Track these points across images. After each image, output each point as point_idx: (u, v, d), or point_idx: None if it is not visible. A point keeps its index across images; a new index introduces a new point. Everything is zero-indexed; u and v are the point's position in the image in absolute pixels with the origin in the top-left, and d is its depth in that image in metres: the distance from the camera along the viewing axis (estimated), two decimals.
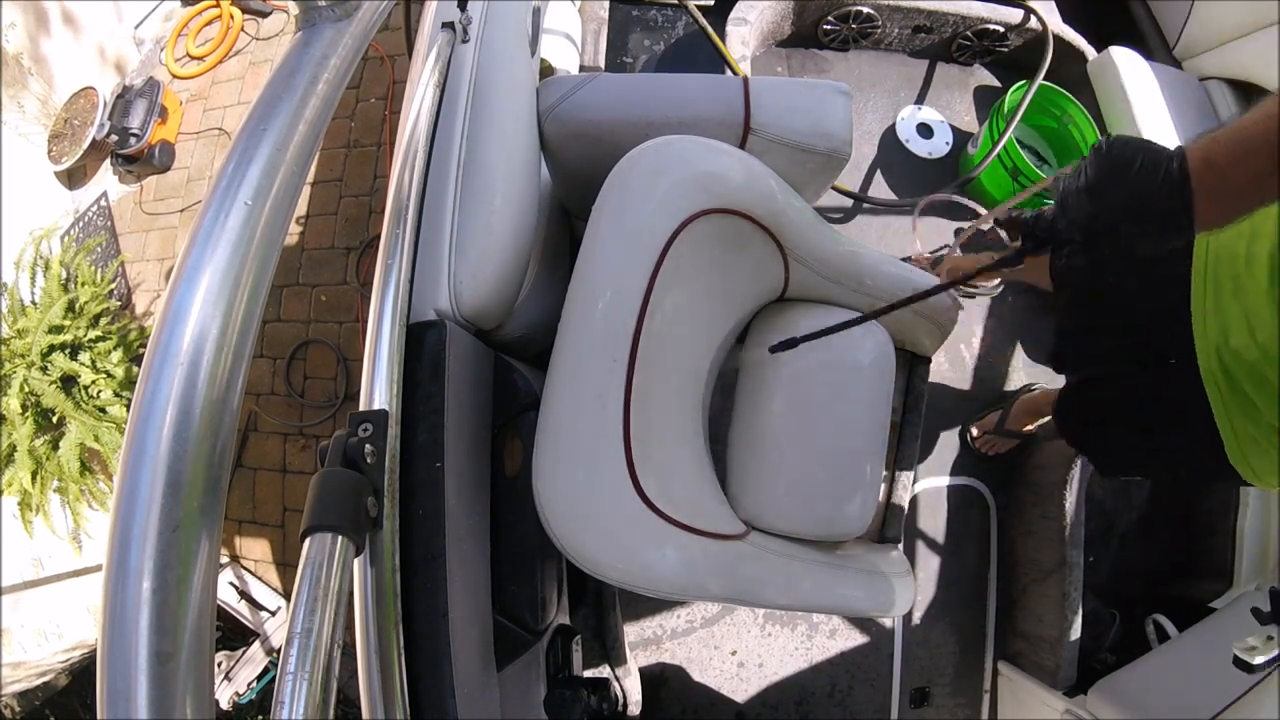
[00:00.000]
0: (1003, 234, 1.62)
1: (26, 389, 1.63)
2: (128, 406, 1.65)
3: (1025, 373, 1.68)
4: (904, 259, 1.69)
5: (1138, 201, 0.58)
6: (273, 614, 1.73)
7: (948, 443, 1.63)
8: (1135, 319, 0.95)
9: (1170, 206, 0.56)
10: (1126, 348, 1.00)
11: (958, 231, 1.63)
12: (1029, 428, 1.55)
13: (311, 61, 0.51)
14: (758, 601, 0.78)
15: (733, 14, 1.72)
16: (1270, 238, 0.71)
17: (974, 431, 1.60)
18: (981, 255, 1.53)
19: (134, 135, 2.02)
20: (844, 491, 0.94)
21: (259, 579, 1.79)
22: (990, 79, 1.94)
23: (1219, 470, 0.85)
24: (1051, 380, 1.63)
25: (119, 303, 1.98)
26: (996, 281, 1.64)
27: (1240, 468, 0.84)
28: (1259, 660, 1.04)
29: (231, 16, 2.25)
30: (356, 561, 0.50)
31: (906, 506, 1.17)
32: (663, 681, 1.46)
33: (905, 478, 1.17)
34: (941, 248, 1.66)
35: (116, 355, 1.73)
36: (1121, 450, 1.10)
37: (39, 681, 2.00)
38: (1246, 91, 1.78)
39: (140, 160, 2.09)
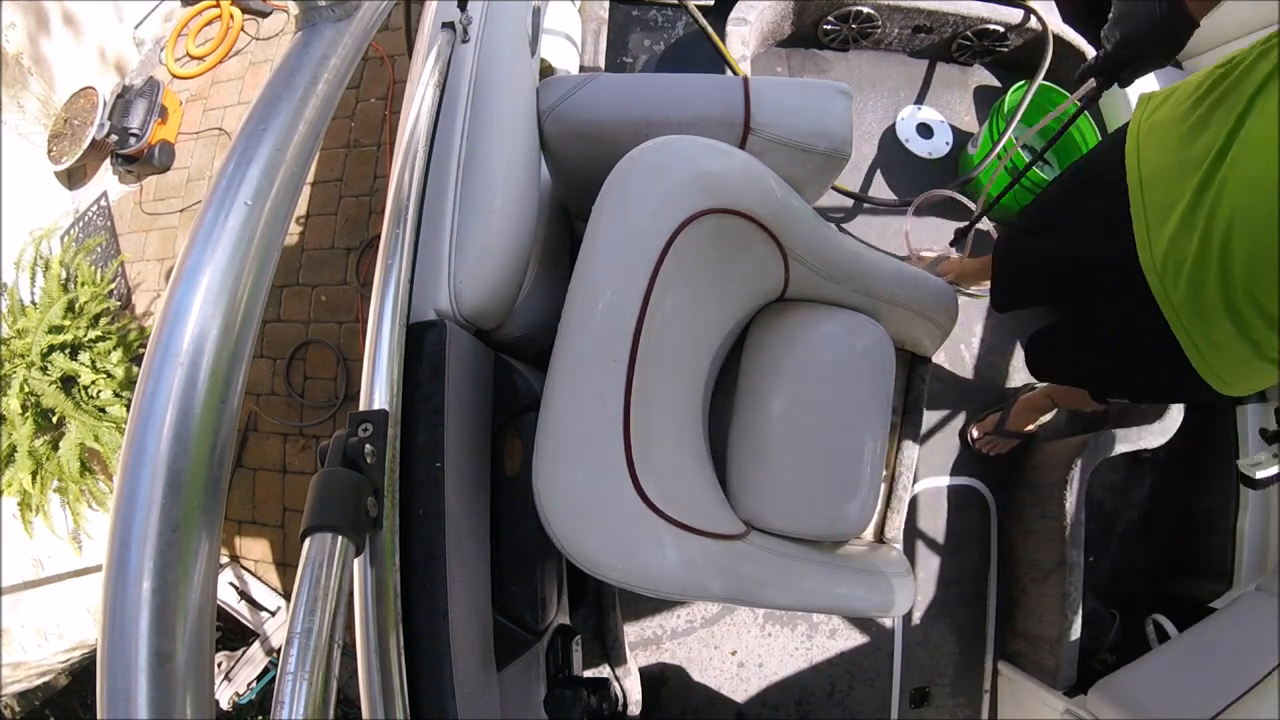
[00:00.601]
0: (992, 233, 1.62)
1: (26, 389, 1.63)
2: (128, 406, 1.65)
3: (1025, 373, 1.68)
4: (903, 258, 1.70)
5: (1144, 15, 0.84)
6: (273, 614, 1.73)
7: (948, 443, 1.63)
8: (1080, 248, 1.01)
9: (1167, 8, 0.82)
10: (1074, 277, 1.06)
11: (958, 233, 1.63)
12: (1030, 427, 1.55)
13: (311, 61, 0.51)
14: (758, 601, 0.78)
15: (733, 14, 1.72)
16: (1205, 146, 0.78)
17: (975, 433, 1.60)
18: (986, 259, 1.54)
19: (134, 135, 2.02)
20: (844, 491, 0.94)
21: (259, 579, 1.79)
22: (990, 79, 1.94)
23: (1199, 386, 0.88)
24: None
25: (119, 303, 1.98)
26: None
27: (1210, 378, 0.86)
28: (1261, 475, 1.07)
29: (231, 16, 2.25)
30: (356, 561, 0.50)
31: (906, 506, 1.17)
32: (663, 681, 1.46)
33: (905, 478, 1.17)
34: (941, 253, 1.66)
35: (116, 355, 1.73)
36: (1098, 374, 1.14)
37: (39, 681, 2.00)
38: None
39: (140, 160, 2.09)
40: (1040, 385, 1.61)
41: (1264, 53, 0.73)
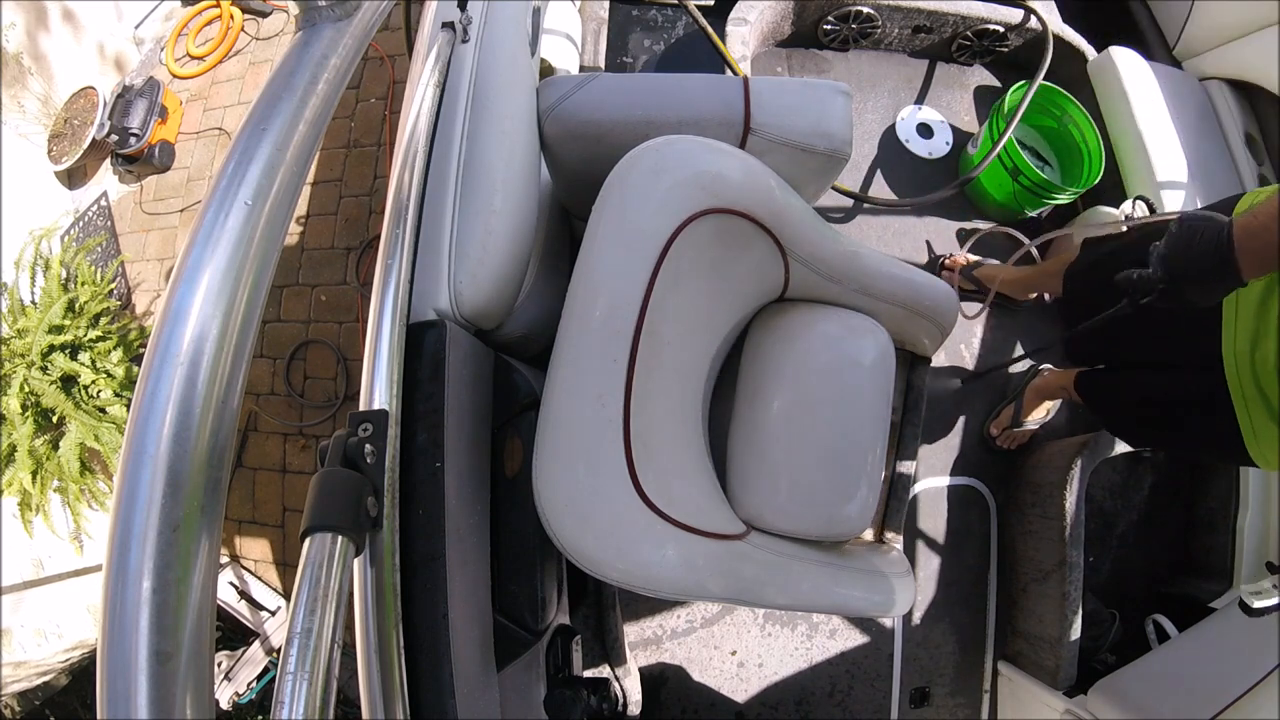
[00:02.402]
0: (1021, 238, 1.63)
1: (26, 389, 1.63)
2: (128, 406, 1.65)
3: (1026, 367, 1.68)
4: (934, 259, 1.70)
5: (1196, 265, 0.80)
6: (273, 614, 1.73)
7: (948, 443, 1.63)
8: (1162, 329, 1.08)
9: (1220, 265, 0.77)
10: (1146, 348, 1.14)
11: (960, 235, 1.63)
12: (1042, 412, 1.56)
13: (311, 61, 0.51)
14: (758, 601, 0.78)
15: (733, 14, 1.72)
16: None
17: (993, 430, 1.60)
18: (1025, 269, 1.55)
19: (134, 135, 2.02)
20: (844, 491, 0.94)
21: (259, 579, 1.79)
22: (990, 79, 1.94)
23: (1234, 455, 0.98)
24: (1059, 363, 1.64)
25: (119, 303, 1.98)
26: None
27: (1257, 457, 0.97)
28: (1259, 605, 1.13)
29: (231, 16, 2.25)
30: (356, 561, 0.50)
31: (906, 506, 1.17)
32: (663, 681, 1.46)
33: (905, 478, 1.17)
34: (979, 259, 1.66)
35: (116, 355, 1.73)
36: (1144, 426, 1.21)
37: (39, 681, 2.00)
38: (1247, 91, 1.78)
39: (140, 160, 2.09)
40: (1047, 368, 1.61)
41: None
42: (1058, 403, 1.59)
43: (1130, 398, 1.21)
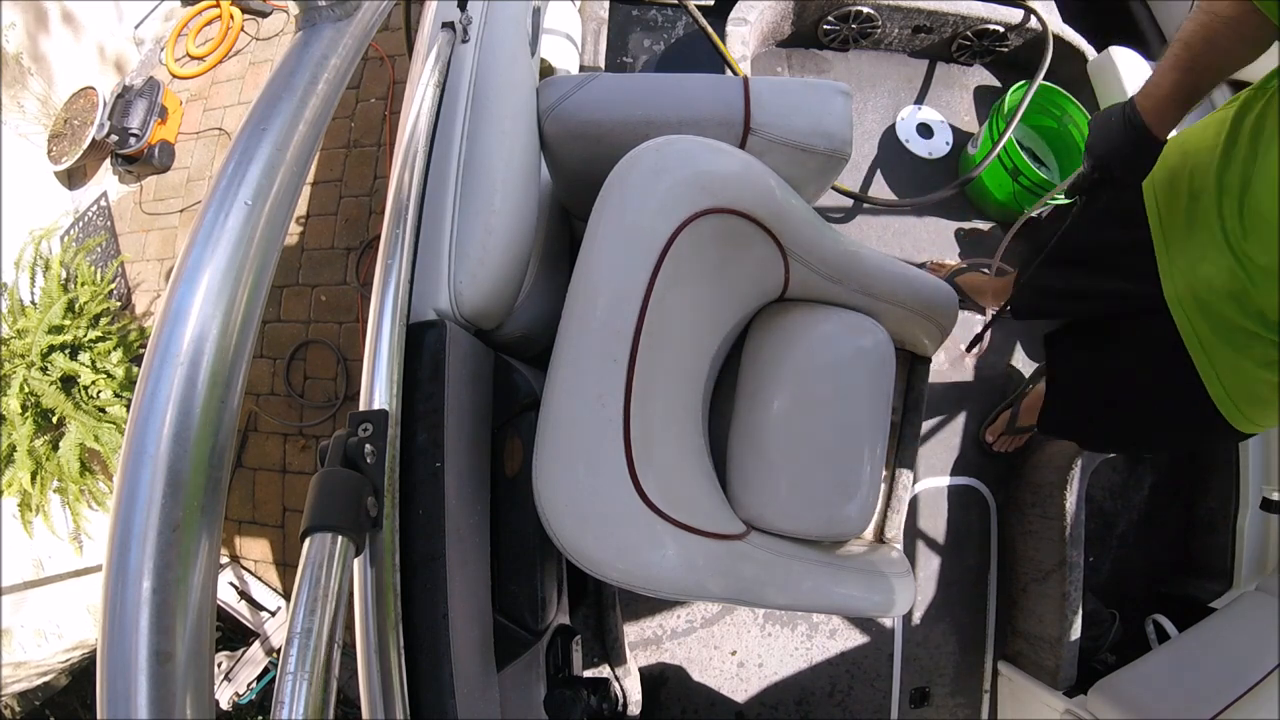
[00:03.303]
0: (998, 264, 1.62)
1: (26, 389, 1.63)
2: (128, 406, 1.65)
3: (1026, 370, 1.69)
4: (919, 265, 1.70)
5: (1116, 142, 0.86)
6: (273, 614, 1.73)
7: (948, 443, 1.63)
8: (1102, 273, 1.04)
9: (1134, 133, 0.83)
10: (1092, 296, 1.08)
11: (958, 235, 1.63)
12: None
13: (311, 61, 0.51)
14: (758, 601, 0.78)
15: (733, 14, 1.72)
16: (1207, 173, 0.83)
17: (989, 437, 1.60)
18: (1009, 280, 1.52)
19: (134, 135, 2.02)
20: (844, 491, 0.94)
21: (259, 579, 1.79)
22: (990, 79, 1.94)
23: (1212, 423, 0.89)
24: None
25: (119, 303, 1.98)
26: None
27: (1229, 413, 0.87)
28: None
29: (231, 16, 2.25)
30: (356, 561, 0.50)
31: (906, 506, 1.17)
32: (663, 681, 1.46)
33: (905, 478, 1.17)
34: (960, 265, 1.65)
35: (116, 355, 1.73)
36: (1114, 429, 1.16)
37: (39, 681, 2.00)
38: None
39: (140, 160, 2.09)
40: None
41: (1268, 91, 0.78)
42: None
43: (1093, 396, 1.16)
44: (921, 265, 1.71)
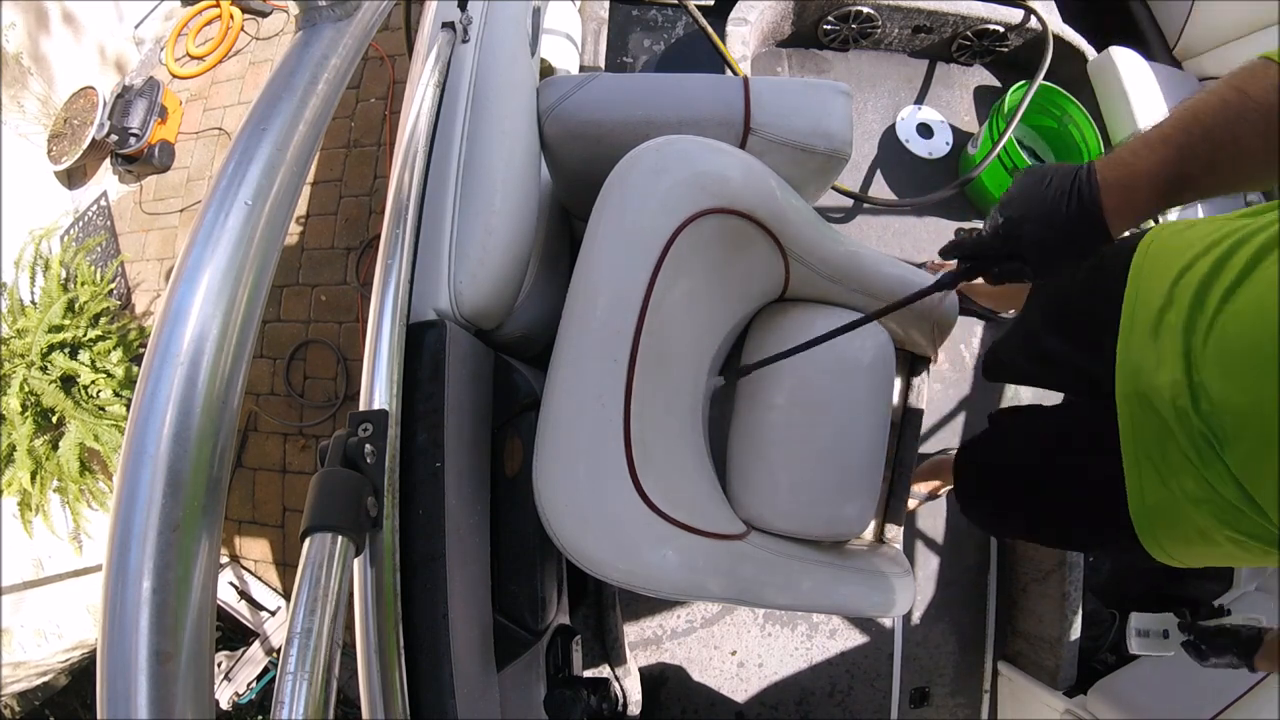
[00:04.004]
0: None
1: (26, 389, 1.63)
2: (128, 406, 1.65)
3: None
4: (919, 265, 1.68)
5: (1048, 210, 0.60)
6: (273, 614, 1.73)
7: (948, 443, 1.63)
8: (1071, 334, 0.86)
9: (1078, 206, 0.58)
10: (1056, 361, 0.90)
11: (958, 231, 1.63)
12: (931, 486, 1.51)
13: (311, 61, 0.51)
14: (758, 601, 0.78)
15: (733, 14, 1.72)
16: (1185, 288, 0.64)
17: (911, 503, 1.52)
18: (1010, 286, 1.41)
19: (134, 135, 2.02)
20: (844, 492, 0.94)
21: (259, 579, 1.79)
22: (990, 79, 1.94)
23: (1114, 527, 0.72)
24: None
25: (119, 302, 1.98)
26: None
27: (1145, 539, 0.70)
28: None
29: (231, 16, 2.25)
30: (356, 561, 0.50)
31: (906, 506, 1.17)
32: (663, 681, 1.46)
33: (905, 478, 1.17)
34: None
35: (116, 355, 1.73)
36: (1015, 509, 0.97)
37: (39, 681, 2.00)
38: None
39: (140, 160, 2.09)
40: (952, 451, 1.58)
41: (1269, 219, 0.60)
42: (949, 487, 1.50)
43: (997, 467, 0.99)
44: (921, 265, 1.71)
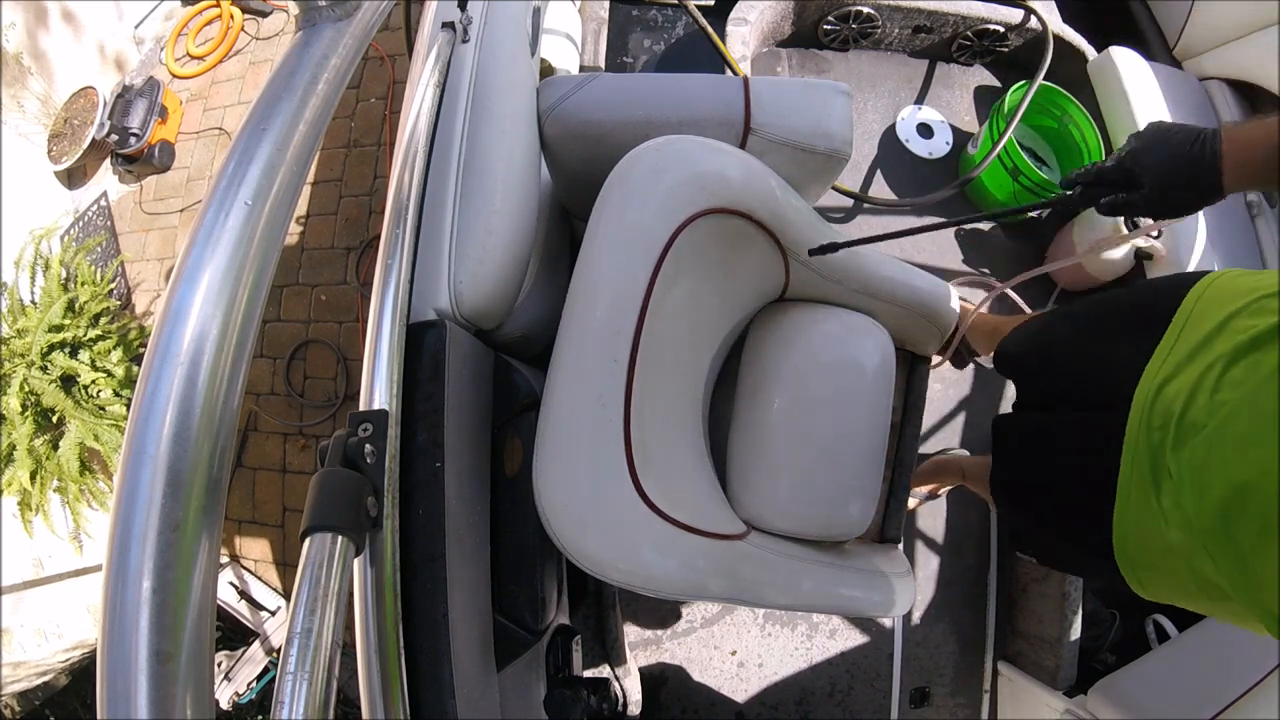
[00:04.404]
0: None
1: (26, 388, 1.63)
2: (127, 405, 1.65)
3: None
4: (920, 265, 1.67)
5: (1172, 154, 0.66)
6: (273, 614, 1.73)
7: (948, 443, 1.63)
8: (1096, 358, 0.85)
9: (1200, 160, 0.65)
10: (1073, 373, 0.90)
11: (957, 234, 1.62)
12: (931, 486, 1.51)
13: (311, 61, 0.51)
14: (758, 601, 0.78)
15: (733, 14, 1.72)
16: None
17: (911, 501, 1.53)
18: (1002, 318, 1.27)
19: (134, 135, 2.02)
20: (844, 492, 0.94)
21: (259, 579, 1.79)
22: (990, 79, 1.94)
23: (1094, 543, 0.72)
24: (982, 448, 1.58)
25: (119, 302, 1.98)
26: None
27: (1123, 567, 0.70)
28: None
29: (231, 16, 2.25)
30: (356, 561, 0.50)
31: (906, 506, 1.17)
32: (663, 681, 1.46)
33: (905, 478, 1.17)
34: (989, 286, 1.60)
35: (116, 354, 1.73)
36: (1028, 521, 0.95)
37: (39, 681, 2.00)
38: (1246, 92, 1.78)
39: (140, 160, 2.09)
40: (954, 451, 1.59)
41: None
42: (950, 485, 1.51)
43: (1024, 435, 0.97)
44: (930, 271, 1.68)
